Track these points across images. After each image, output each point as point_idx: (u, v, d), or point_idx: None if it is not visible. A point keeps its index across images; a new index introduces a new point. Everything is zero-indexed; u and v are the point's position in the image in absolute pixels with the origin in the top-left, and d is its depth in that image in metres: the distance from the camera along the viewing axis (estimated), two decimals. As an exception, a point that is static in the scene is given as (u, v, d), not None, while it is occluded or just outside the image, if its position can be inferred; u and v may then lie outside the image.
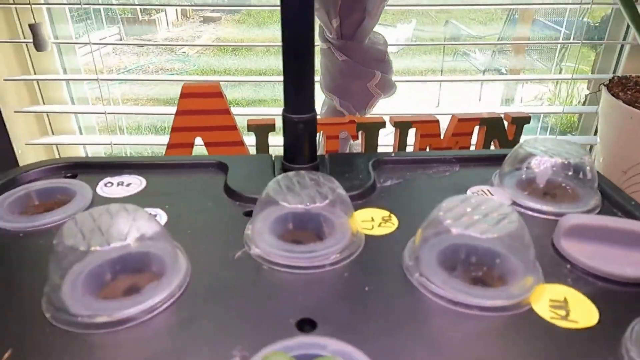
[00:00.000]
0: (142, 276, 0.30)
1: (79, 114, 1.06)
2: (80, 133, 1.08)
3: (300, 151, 0.41)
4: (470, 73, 3.01)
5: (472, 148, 0.71)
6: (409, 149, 0.72)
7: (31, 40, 0.87)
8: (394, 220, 0.37)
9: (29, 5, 0.89)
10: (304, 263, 0.32)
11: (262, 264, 0.32)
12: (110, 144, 1.01)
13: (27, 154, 0.99)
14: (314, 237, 0.35)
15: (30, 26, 0.86)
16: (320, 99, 0.82)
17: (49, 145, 1.04)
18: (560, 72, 2.72)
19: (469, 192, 0.40)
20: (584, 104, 1.19)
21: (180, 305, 0.28)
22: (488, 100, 2.24)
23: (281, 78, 0.39)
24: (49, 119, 1.03)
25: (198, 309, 0.28)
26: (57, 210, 0.36)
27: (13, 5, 0.91)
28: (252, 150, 0.67)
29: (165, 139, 1.06)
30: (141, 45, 3.49)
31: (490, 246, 0.29)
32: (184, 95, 0.60)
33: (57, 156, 1.08)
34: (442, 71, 3.14)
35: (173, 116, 0.61)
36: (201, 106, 0.61)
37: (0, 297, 0.29)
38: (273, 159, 0.45)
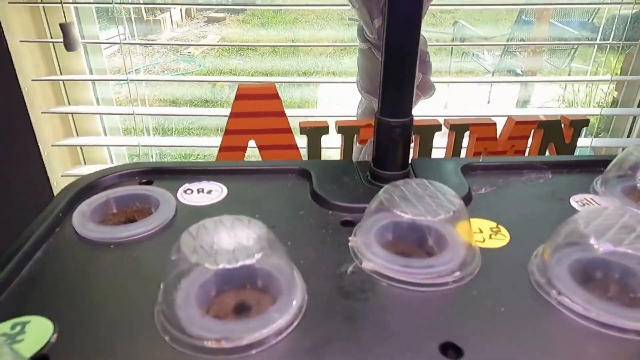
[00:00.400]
0: (250, 292, 0.28)
1: (105, 114, 1.03)
2: (105, 134, 1.06)
3: (393, 157, 0.39)
4: (477, 74, 3.00)
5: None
6: (462, 151, 0.70)
7: (61, 40, 0.84)
8: (504, 232, 0.34)
9: (59, 5, 0.86)
10: (425, 280, 0.29)
11: (379, 279, 0.30)
12: (137, 146, 0.99)
13: (52, 154, 0.96)
14: (418, 247, 0.33)
15: (61, 26, 0.83)
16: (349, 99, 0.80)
17: (73, 146, 1.02)
18: (569, 74, 2.71)
19: (572, 201, 0.38)
20: (612, 104, 1.18)
21: (305, 327, 0.26)
22: (500, 102, 2.23)
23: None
24: (74, 120, 1.01)
25: (326, 331, 0.26)
26: (146, 219, 0.34)
27: (41, 5, 0.88)
28: (304, 153, 0.64)
29: (192, 140, 1.04)
30: (149, 45, 3.45)
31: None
32: (239, 96, 0.57)
33: (81, 157, 1.05)
34: (449, 72, 3.12)
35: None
36: (256, 108, 0.58)
37: (113, 315, 0.27)
38: (355, 164, 0.43)
